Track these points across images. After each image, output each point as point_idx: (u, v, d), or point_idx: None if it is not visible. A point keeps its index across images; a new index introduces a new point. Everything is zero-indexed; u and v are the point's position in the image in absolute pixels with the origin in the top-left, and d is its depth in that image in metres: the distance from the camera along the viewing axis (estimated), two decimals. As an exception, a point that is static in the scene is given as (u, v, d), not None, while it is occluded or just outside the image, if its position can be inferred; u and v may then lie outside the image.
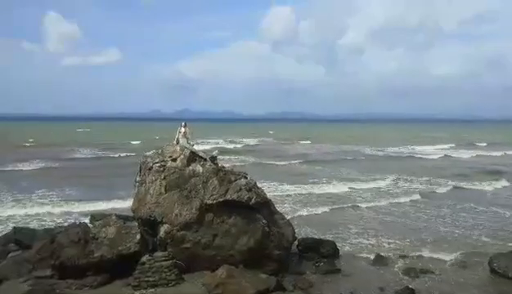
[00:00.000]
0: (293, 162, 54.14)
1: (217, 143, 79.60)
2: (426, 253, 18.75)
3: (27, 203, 27.11)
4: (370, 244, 20.22)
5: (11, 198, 28.51)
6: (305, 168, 48.74)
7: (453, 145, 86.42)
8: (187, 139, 16.96)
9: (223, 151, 65.25)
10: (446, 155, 65.44)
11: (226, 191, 15.31)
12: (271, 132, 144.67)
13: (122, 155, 57.19)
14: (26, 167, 45.29)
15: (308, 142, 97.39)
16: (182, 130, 17.00)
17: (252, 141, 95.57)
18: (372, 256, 17.97)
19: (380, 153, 69.47)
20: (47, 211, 25.22)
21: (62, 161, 51.63)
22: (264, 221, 15.58)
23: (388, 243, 20.34)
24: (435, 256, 18.39)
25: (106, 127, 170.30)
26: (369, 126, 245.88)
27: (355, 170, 46.03)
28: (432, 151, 73.78)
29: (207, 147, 65.85)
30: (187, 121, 18.15)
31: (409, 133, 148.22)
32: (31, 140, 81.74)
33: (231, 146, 78.37)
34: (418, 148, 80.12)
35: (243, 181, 15.75)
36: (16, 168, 43.71)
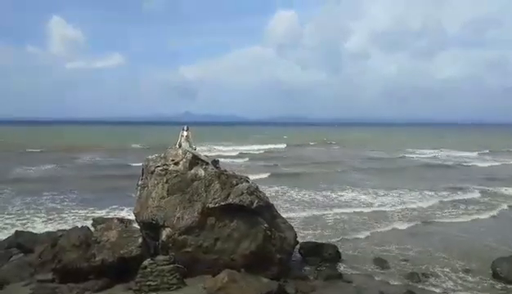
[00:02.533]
0: (344, 169, 50.21)
1: (242, 150, 74.18)
2: (430, 258, 18.69)
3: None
4: (376, 249, 20.09)
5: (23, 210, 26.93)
6: (361, 177, 43.51)
7: (486, 151, 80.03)
8: (189, 142, 16.98)
9: (254, 158, 62.79)
10: (494, 164, 59.23)
11: (228, 195, 15.30)
12: (285, 137, 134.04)
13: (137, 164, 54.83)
14: (36, 172, 44.65)
15: (336, 147, 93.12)
16: (185, 133, 17.02)
17: (276, 146, 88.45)
18: (375, 260, 17.93)
19: (424, 159, 65.25)
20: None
21: (74, 168, 49.90)
22: (266, 225, 15.56)
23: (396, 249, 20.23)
24: (439, 260, 18.33)
25: (111, 131, 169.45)
26: (379, 129, 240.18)
27: (422, 180, 41.89)
28: (474, 157, 69.46)
29: (234, 153, 65.25)
30: (190, 124, 18.18)
31: (425, 137, 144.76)
32: (39, 144, 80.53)
33: (258, 152, 73.40)
34: (451, 153, 75.84)
35: (245, 185, 15.75)
36: (26, 175, 42.79)
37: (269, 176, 41.79)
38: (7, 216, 25.17)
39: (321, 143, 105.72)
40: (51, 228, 22.36)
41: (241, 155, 65.99)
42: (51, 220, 24.69)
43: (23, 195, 31.01)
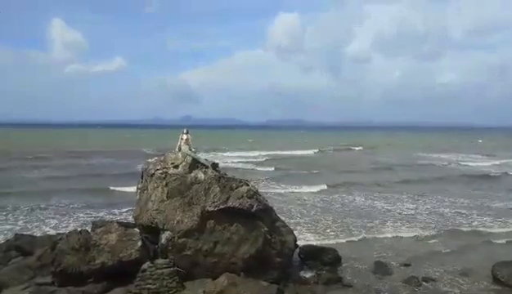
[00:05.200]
0: (399, 178, 44.90)
1: (267, 156, 68.67)
2: (429, 262, 18.63)
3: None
4: (376, 253, 19.97)
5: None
6: (430, 187, 39.37)
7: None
8: (189, 146, 17.00)
9: (286, 165, 56.42)
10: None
11: (228, 198, 15.28)
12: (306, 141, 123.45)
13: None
14: (45, 175, 43.80)
15: (365, 152, 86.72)
16: (184, 137, 17.05)
17: (305, 152, 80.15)
18: (375, 264, 17.88)
19: (472, 166, 59.12)
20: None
21: (85, 171, 47.94)
22: (266, 228, 15.54)
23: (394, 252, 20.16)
24: (438, 264, 18.27)
25: (115, 134, 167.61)
26: (389, 133, 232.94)
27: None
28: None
29: (259, 159, 61.36)
30: (191, 128, 18.19)
31: (447, 141, 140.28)
32: (45, 147, 79.87)
33: (285, 159, 66.85)
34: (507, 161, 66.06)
35: (244, 188, 15.72)
36: (36, 179, 41.84)
37: (323, 190, 36.98)
38: (20, 219, 25.26)
39: (345, 148, 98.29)
40: (63, 231, 22.25)
41: (268, 162, 59.27)
42: (63, 221, 24.88)
43: (34, 199, 30.58)
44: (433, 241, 22.29)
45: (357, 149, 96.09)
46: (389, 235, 22.90)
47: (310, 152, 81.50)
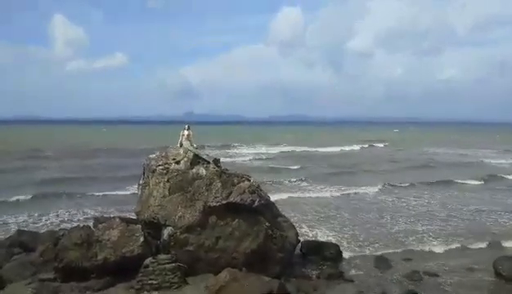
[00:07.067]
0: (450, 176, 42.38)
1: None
2: (431, 256, 18.62)
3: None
4: (378, 248, 19.96)
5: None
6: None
7: None
8: (191, 141, 16.99)
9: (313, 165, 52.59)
10: None
11: (230, 193, 15.31)
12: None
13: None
14: (55, 173, 43.10)
15: (397, 148, 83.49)
16: (186, 133, 17.03)
17: (331, 149, 76.26)
18: (377, 259, 17.88)
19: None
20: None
21: (94, 170, 46.90)
22: (267, 224, 15.57)
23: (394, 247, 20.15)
24: (440, 259, 18.26)
25: (119, 131, 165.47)
26: (396, 128, 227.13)
27: None
28: None
29: (280, 156, 59.58)
30: (193, 124, 18.16)
31: (465, 137, 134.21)
32: (51, 146, 77.98)
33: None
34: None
35: (246, 184, 15.74)
36: (47, 176, 40.90)
37: (380, 190, 35.03)
38: (32, 214, 25.31)
39: (369, 144, 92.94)
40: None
41: (291, 160, 55.15)
42: (73, 216, 25.06)
43: (44, 200, 30.30)
44: (441, 237, 21.99)
45: (379, 145, 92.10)
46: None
47: (336, 149, 76.96)
